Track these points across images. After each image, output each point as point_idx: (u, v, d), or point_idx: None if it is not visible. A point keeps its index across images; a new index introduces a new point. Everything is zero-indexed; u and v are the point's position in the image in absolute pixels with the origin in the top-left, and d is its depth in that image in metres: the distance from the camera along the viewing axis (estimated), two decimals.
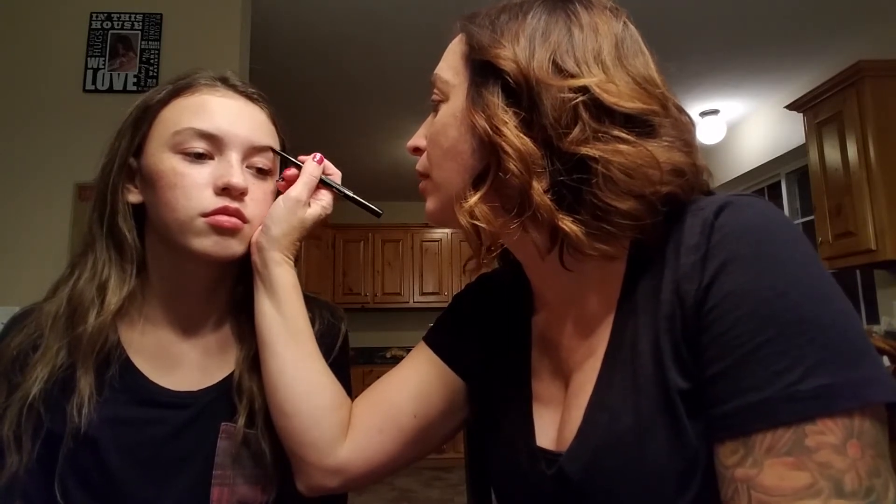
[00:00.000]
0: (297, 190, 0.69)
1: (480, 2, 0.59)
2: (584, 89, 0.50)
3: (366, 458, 0.66)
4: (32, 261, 2.01)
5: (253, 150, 0.69)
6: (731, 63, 3.37)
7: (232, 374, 0.71)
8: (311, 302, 0.74)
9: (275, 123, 0.74)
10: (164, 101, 0.69)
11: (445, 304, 0.75)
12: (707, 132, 3.99)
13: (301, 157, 0.72)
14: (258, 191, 0.69)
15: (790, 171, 4.06)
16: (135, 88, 2.17)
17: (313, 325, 0.71)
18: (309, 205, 0.70)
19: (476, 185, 0.55)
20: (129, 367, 0.69)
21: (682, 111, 0.55)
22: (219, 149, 0.67)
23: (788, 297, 0.43)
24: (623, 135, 0.50)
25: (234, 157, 0.67)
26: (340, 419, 0.67)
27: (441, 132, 0.58)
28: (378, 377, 0.72)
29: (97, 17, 2.22)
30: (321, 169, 0.72)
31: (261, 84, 0.78)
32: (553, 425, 0.58)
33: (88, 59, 2.19)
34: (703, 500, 0.46)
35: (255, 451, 0.69)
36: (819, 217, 3.06)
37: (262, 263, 0.68)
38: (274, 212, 0.69)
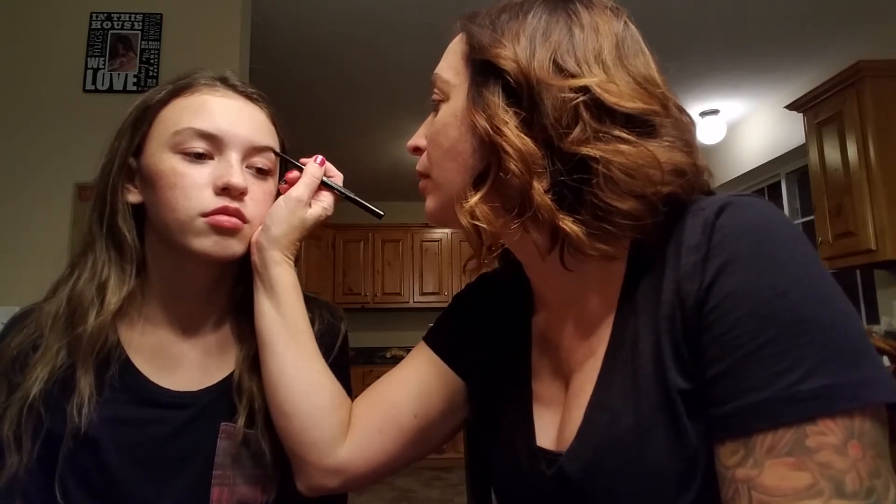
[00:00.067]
0: (299, 190, 0.69)
1: (481, 2, 0.59)
2: (584, 89, 0.50)
3: (366, 459, 0.66)
4: (32, 261, 2.01)
5: (253, 150, 0.69)
6: (731, 63, 3.37)
7: (232, 374, 0.71)
8: (311, 302, 0.74)
9: (274, 123, 0.74)
10: (164, 101, 0.69)
11: (445, 304, 0.75)
12: (707, 132, 3.99)
13: (303, 160, 0.73)
14: (258, 191, 0.69)
15: (790, 171, 4.06)
16: (135, 88, 2.17)
17: (313, 325, 0.71)
18: (310, 205, 0.70)
19: (476, 185, 0.55)
20: (128, 367, 0.68)
21: (682, 111, 0.55)
22: (218, 149, 0.67)
23: (789, 297, 0.43)
24: (624, 135, 0.50)
25: (233, 157, 0.67)
26: (340, 419, 0.67)
27: (441, 132, 0.58)
28: (378, 377, 0.72)
29: (97, 17, 2.22)
30: (323, 171, 0.73)
31: (261, 84, 0.78)
32: (553, 425, 0.58)
33: (88, 59, 2.19)
34: (703, 501, 0.46)
35: (255, 451, 0.69)
36: (819, 217, 3.06)
37: (261, 263, 0.68)
38: (275, 212, 0.69)
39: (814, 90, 3.02)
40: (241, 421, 0.68)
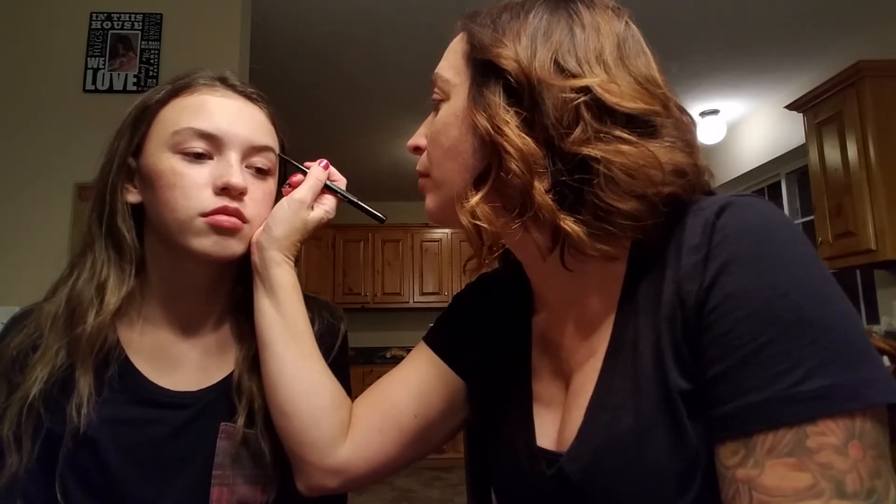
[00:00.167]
0: (302, 192, 0.70)
1: (481, 1, 0.59)
2: (585, 89, 0.50)
3: (366, 459, 0.66)
4: (32, 261, 2.01)
5: (252, 150, 0.69)
6: (731, 63, 3.37)
7: (231, 374, 0.71)
8: (311, 302, 0.74)
9: (274, 123, 0.74)
10: (163, 101, 0.69)
11: (445, 304, 0.75)
12: (707, 132, 3.99)
13: (307, 164, 0.73)
14: (257, 191, 0.69)
15: (790, 171, 4.06)
16: (135, 88, 2.17)
17: (313, 325, 0.71)
18: (312, 208, 0.71)
19: (477, 184, 0.55)
20: (128, 368, 0.68)
21: (683, 111, 0.55)
22: (218, 149, 0.67)
23: (789, 297, 0.43)
24: (625, 135, 0.49)
25: (233, 156, 0.67)
26: (340, 419, 0.66)
27: (442, 131, 0.58)
28: (378, 377, 0.72)
29: (97, 17, 2.22)
30: (327, 174, 0.73)
31: (261, 84, 0.78)
32: (553, 426, 0.58)
33: (88, 59, 2.19)
34: (704, 501, 0.46)
35: (255, 451, 0.69)
36: (819, 217, 3.06)
37: (261, 263, 0.68)
38: (277, 212, 0.69)
39: (814, 90, 3.02)
40: (240, 421, 0.68)
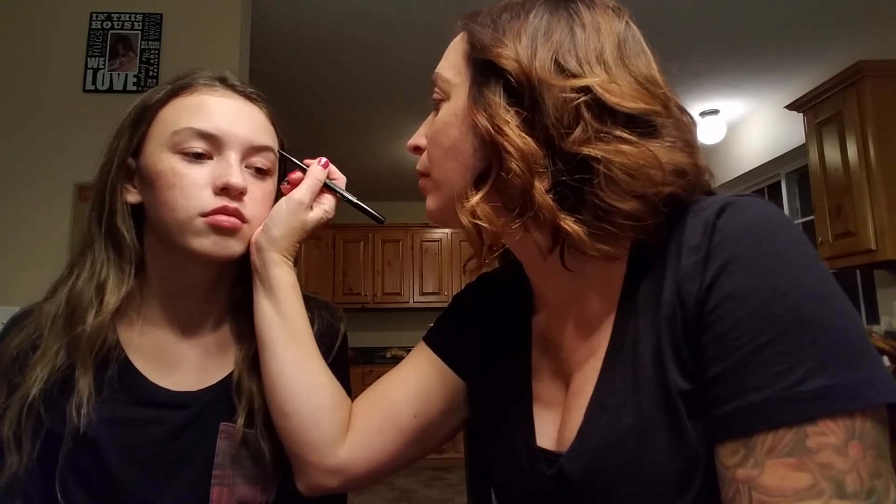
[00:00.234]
0: (301, 192, 0.69)
1: (481, 1, 0.59)
2: (586, 89, 0.50)
3: (366, 458, 0.66)
4: (32, 261, 2.01)
5: (252, 150, 0.69)
6: (731, 63, 3.37)
7: (231, 374, 0.71)
8: (311, 302, 0.74)
9: (273, 123, 0.74)
10: (163, 101, 0.69)
11: (445, 304, 0.75)
12: (707, 132, 3.99)
13: (306, 161, 0.73)
14: (257, 191, 0.69)
15: (790, 171, 4.06)
16: (135, 88, 2.17)
17: (312, 325, 0.71)
18: (311, 208, 0.70)
19: (477, 184, 0.55)
20: (128, 368, 0.68)
21: (683, 111, 0.55)
22: (218, 149, 0.67)
23: (789, 297, 0.43)
24: (625, 135, 0.49)
25: (232, 156, 0.67)
26: (340, 419, 0.66)
27: (442, 131, 0.58)
28: (378, 377, 0.72)
29: (97, 17, 2.22)
30: (326, 173, 0.72)
31: (261, 84, 0.78)
32: (553, 426, 0.58)
33: (88, 59, 2.19)
34: (704, 501, 0.46)
35: (255, 451, 0.69)
36: (819, 217, 3.06)
37: (261, 264, 0.68)
38: (276, 213, 0.69)
39: (814, 90, 3.02)
40: (240, 421, 0.68)
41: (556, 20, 0.54)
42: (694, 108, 3.93)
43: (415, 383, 0.68)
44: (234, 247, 0.67)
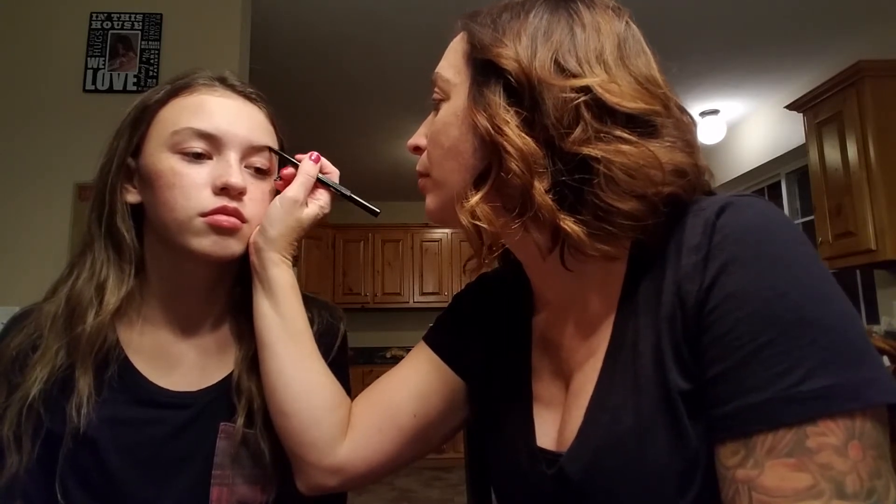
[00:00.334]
0: (294, 190, 0.69)
1: (481, 1, 0.59)
2: (586, 89, 0.50)
3: (365, 458, 0.66)
4: (32, 261, 2.01)
5: (251, 150, 0.69)
6: (731, 63, 3.37)
7: (231, 374, 0.71)
8: (310, 302, 0.74)
9: (273, 123, 0.74)
10: (163, 101, 0.69)
11: (445, 304, 0.75)
12: (707, 132, 3.99)
13: (298, 156, 0.72)
14: (257, 190, 0.69)
15: (790, 171, 4.06)
16: (135, 88, 2.17)
17: (312, 325, 0.71)
18: (306, 204, 0.70)
19: (477, 184, 0.55)
20: (127, 368, 0.68)
21: (683, 111, 0.55)
22: (217, 149, 0.67)
23: (789, 297, 0.43)
24: (625, 135, 0.49)
25: (232, 156, 0.67)
26: (340, 419, 0.66)
27: (442, 131, 0.58)
28: (378, 377, 0.72)
29: (97, 17, 2.22)
30: (318, 168, 0.71)
31: (261, 84, 0.78)
32: (553, 426, 0.58)
33: (88, 59, 2.19)
34: (704, 501, 0.46)
35: (255, 450, 0.69)
36: (819, 217, 3.06)
37: (259, 264, 0.68)
38: (271, 212, 0.68)
39: (814, 90, 3.02)
40: (240, 421, 0.68)
41: (556, 20, 0.54)
42: (694, 108, 3.93)
43: (414, 383, 0.68)
44: (233, 247, 0.67)
